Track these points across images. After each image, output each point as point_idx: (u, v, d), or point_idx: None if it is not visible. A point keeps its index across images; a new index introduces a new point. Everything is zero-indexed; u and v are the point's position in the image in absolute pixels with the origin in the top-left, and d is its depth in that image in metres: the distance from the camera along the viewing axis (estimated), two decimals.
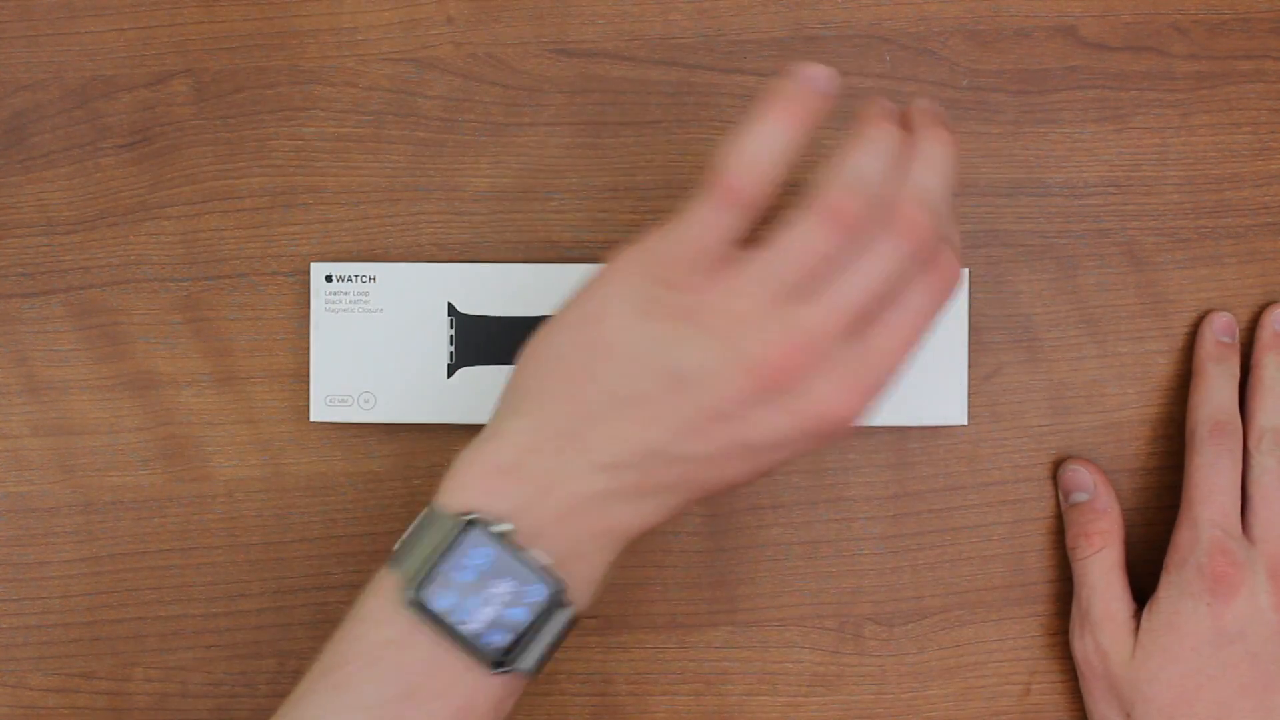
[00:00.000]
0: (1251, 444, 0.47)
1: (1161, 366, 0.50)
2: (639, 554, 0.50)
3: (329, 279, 0.48)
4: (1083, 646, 0.47)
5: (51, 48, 0.50)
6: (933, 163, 0.38)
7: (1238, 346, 0.49)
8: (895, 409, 0.48)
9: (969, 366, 0.49)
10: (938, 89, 0.50)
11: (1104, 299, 0.50)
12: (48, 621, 0.49)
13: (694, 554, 0.50)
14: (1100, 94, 0.50)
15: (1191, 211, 0.50)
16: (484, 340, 0.48)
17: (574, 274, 0.48)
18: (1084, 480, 0.49)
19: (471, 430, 0.49)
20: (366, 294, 0.48)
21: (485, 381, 0.48)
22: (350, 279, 0.48)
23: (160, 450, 0.49)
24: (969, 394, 0.49)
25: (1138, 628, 0.46)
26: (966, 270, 0.48)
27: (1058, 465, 0.49)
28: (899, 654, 0.50)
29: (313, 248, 0.50)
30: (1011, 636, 0.50)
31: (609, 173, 0.50)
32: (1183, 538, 0.47)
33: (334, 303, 0.48)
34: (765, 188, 0.37)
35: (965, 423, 0.48)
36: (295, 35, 0.50)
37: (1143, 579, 0.48)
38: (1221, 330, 0.49)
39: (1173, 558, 0.47)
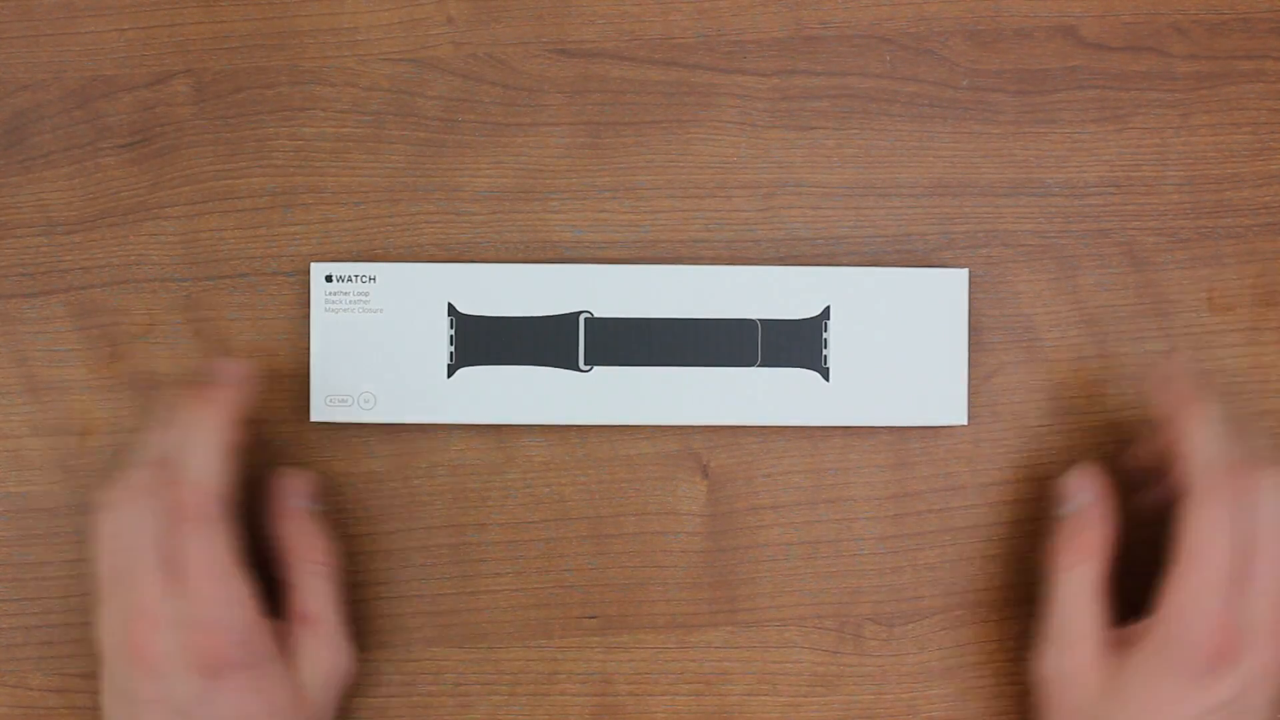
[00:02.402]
0: (1257, 481, 0.43)
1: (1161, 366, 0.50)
2: (639, 554, 0.50)
3: (329, 279, 0.48)
4: (1046, 669, 0.45)
5: (51, 48, 0.50)
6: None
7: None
8: (895, 409, 0.48)
9: (969, 366, 0.49)
10: (938, 89, 0.50)
11: (1104, 299, 0.50)
12: (48, 621, 0.49)
13: (694, 554, 0.50)
14: (1100, 94, 0.50)
15: (1191, 211, 0.50)
16: (484, 340, 0.48)
17: (574, 274, 0.48)
18: (1082, 489, 0.46)
19: (472, 430, 0.49)
20: (366, 294, 0.48)
21: (485, 381, 0.48)
22: (350, 279, 0.48)
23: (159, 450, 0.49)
24: (969, 394, 0.49)
25: (1110, 655, 0.44)
26: (966, 270, 0.48)
27: (1059, 465, 0.49)
28: (899, 654, 0.50)
29: (313, 248, 0.50)
30: (1011, 636, 0.50)
31: (609, 173, 0.50)
32: (1175, 601, 0.42)
33: (334, 303, 0.48)
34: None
35: (965, 423, 0.48)
36: (295, 35, 0.50)
37: (1135, 592, 0.48)
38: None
39: (1162, 623, 0.42)
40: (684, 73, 0.50)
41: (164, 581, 0.42)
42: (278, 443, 0.49)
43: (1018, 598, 0.50)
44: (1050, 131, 0.50)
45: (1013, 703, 0.50)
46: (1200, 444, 0.43)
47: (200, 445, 0.43)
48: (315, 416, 0.48)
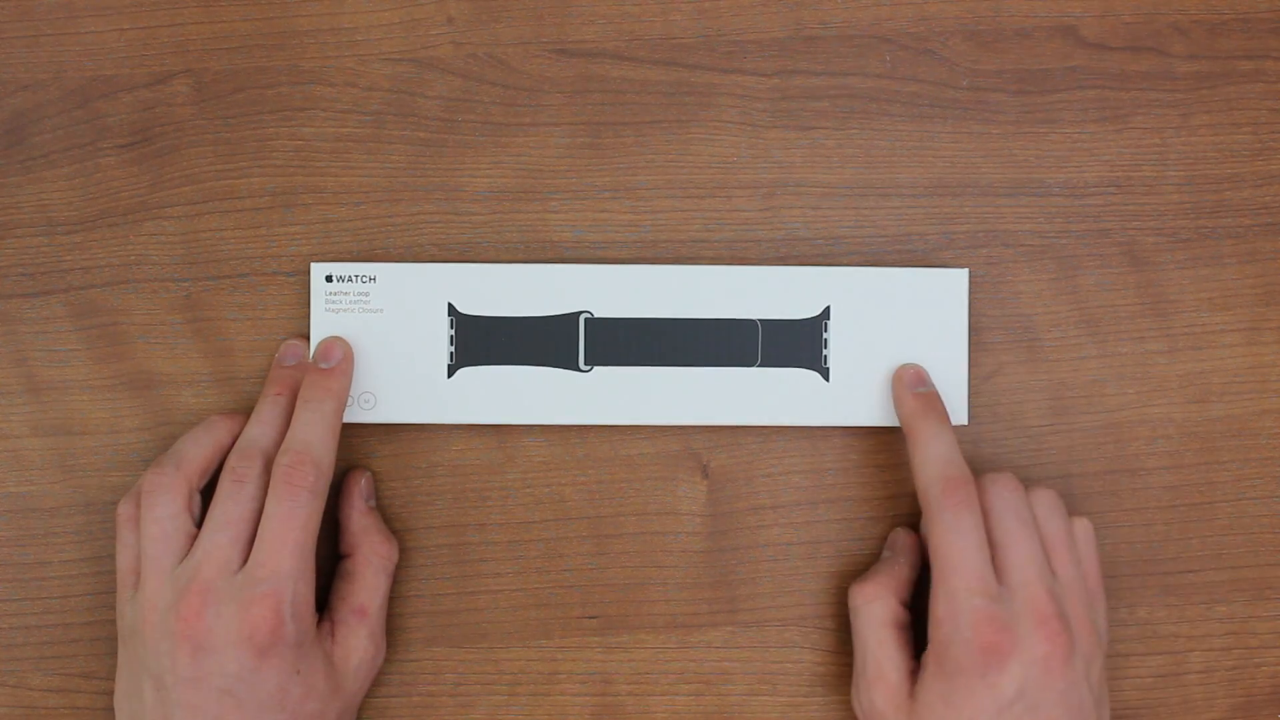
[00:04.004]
0: (984, 486, 0.45)
1: (1161, 366, 0.50)
2: (639, 554, 0.50)
3: (329, 279, 0.48)
4: (858, 705, 0.46)
5: (51, 48, 0.50)
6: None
7: (937, 392, 0.47)
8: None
9: (969, 366, 0.49)
10: (938, 89, 0.50)
11: (1104, 299, 0.50)
12: (48, 621, 0.49)
13: (694, 554, 0.50)
14: (1100, 94, 0.50)
15: (1191, 211, 0.50)
16: (484, 340, 0.48)
17: (574, 274, 0.48)
18: (897, 541, 0.48)
19: (472, 430, 0.49)
20: (366, 294, 0.48)
21: (485, 381, 0.48)
22: (350, 279, 0.48)
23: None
24: (969, 394, 0.49)
25: (914, 685, 0.45)
26: (966, 270, 0.48)
27: (1059, 465, 0.49)
28: None
29: (313, 248, 0.50)
30: None
31: (609, 173, 0.50)
32: (941, 612, 0.43)
33: (334, 303, 0.48)
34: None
35: (965, 423, 0.48)
36: (295, 35, 0.50)
37: (1133, 590, 0.48)
38: (914, 382, 0.47)
39: (936, 635, 0.43)
40: (684, 73, 0.50)
41: (228, 558, 0.43)
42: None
43: None
44: (1050, 131, 0.50)
45: None
46: (928, 458, 0.45)
47: (315, 423, 0.45)
48: None
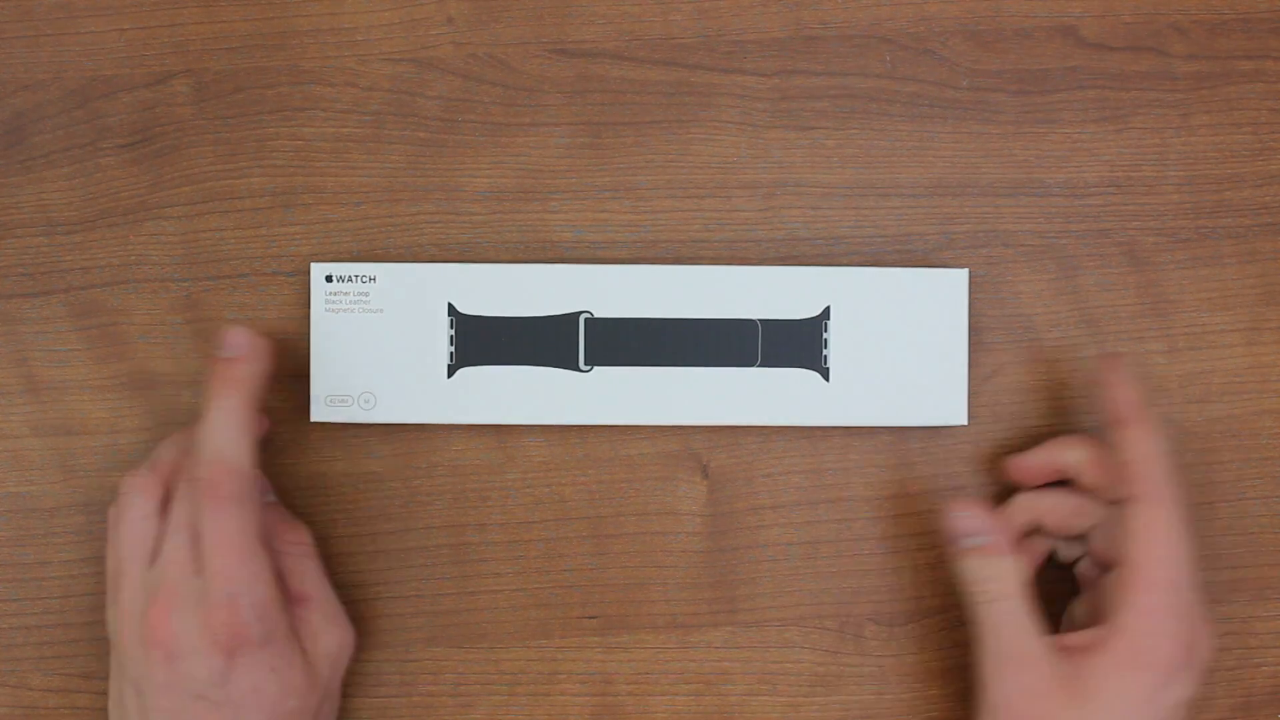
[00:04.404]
0: None
1: (1161, 366, 0.50)
2: (639, 554, 0.50)
3: (329, 279, 0.48)
4: (1009, 687, 0.44)
5: (51, 48, 0.50)
6: None
7: None
8: (895, 409, 0.48)
9: (969, 366, 0.49)
10: (938, 89, 0.50)
11: (1104, 299, 0.50)
12: (48, 621, 0.49)
13: (694, 554, 0.50)
14: (1100, 94, 0.50)
15: (1191, 211, 0.50)
16: (484, 340, 0.48)
17: (574, 274, 0.48)
18: (977, 525, 0.46)
19: (472, 430, 0.49)
20: (366, 294, 0.48)
21: (485, 381, 0.48)
22: (350, 279, 0.48)
23: None
24: (969, 394, 0.49)
25: (1063, 665, 0.44)
26: (966, 270, 0.48)
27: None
28: (899, 654, 0.50)
29: (313, 248, 0.50)
30: None
31: (609, 173, 0.50)
32: (1154, 603, 0.43)
33: (334, 303, 0.48)
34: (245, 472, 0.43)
35: (965, 423, 0.48)
36: (295, 35, 0.50)
37: None
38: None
39: (1138, 625, 0.43)
40: (684, 73, 0.50)
41: (187, 561, 0.42)
42: (278, 442, 0.49)
43: None
44: (1050, 131, 0.50)
45: None
46: (1151, 451, 0.44)
47: (222, 423, 0.43)
48: (315, 416, 0.48)
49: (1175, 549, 0.43)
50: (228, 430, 0.43)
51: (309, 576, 0.46)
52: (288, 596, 0.45)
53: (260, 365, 0.45)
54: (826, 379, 0.48)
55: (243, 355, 0.44)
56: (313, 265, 0.48)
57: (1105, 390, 0.46)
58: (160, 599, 0.42)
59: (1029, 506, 0.47)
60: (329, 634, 0.45)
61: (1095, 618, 0.45)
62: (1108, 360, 0.46)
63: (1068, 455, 0.47)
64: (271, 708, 0.43)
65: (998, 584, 0.45)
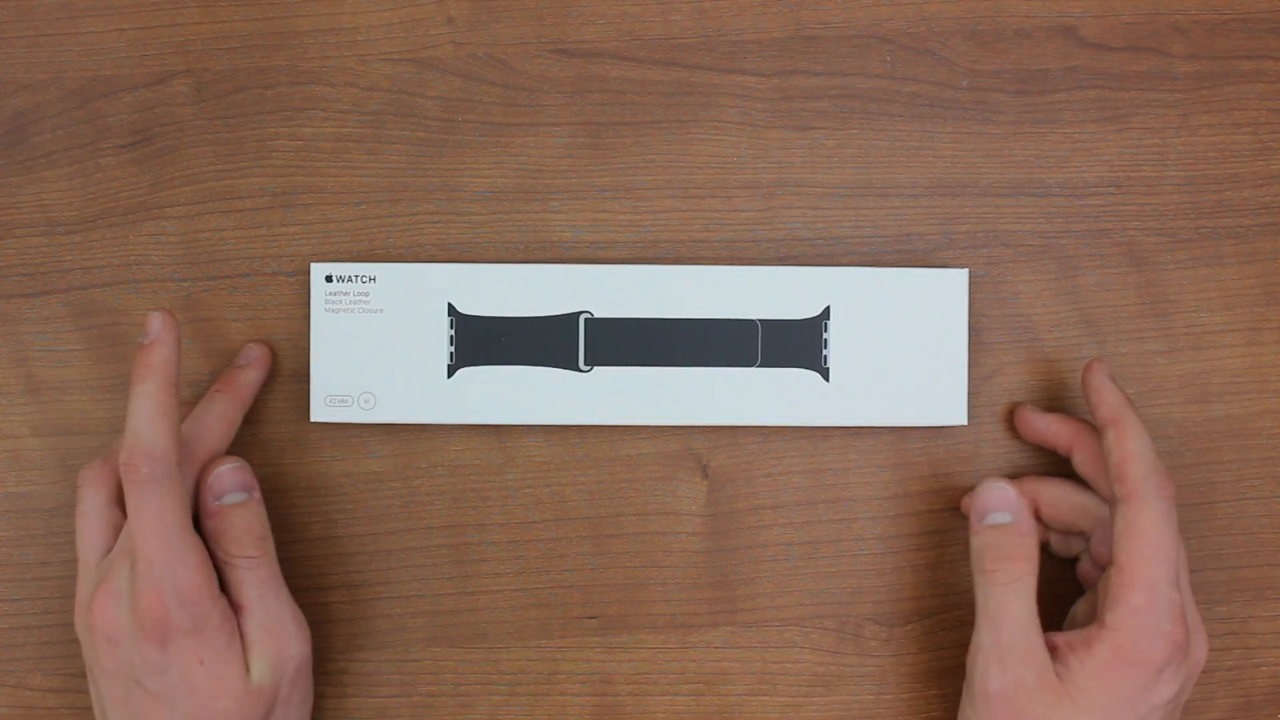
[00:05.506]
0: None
1: (1161, 366, 0.50)
2: (639, 554, 0.50)
3: (329, 279, 0.48)
4: (1001, 680, 0.43)
5: (51, 48, 0.50)
6: None
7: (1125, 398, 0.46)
8: (895, 409, 0.48)
9: (969, 366, 0.49)
10: (938, 89, 0.50)
11: (1104, 299, 0.50)
12: (48, 621, 0.49)
13: (694, 554, 0.50)
14: (1100, 94, 0.50)
15: (1191, 211, 0.50)
16: (484, 340, 0.48)
17: (574, 274, 0.48)
18: (1008, 500, 0.45)
19: (472, 430, 0.49)
20: (366, 294, 0.48)
21: (485, 381, 0.48)
22: (350, 279, 0.48)
23: None
24: (969, 394, 0.49)
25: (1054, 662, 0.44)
26: (966, 270, 0.48)
27: (1058, 465, 0.49)
28: (899, 654, 0.50)
29: (313, 248, 0.50)
30: None
31: (609, 173, 0.50)
32: (1139, 601, 0.43)
33: (334, 303, 0.48)
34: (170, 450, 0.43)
35: (965, 423, 0.48)
36: (295, 35, 0.50)
37: None
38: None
39: (1124, 623, 0.43)
40: (684, 73, 0.50)
41: (126, 549, 0.43)
42: (278, 441, 0.49)
43: None
44: (1050, 131, 0.50)
45: None
46: (1145, 448, 0.44)
47: (138, 408, 0.43)
48: (315, 416, 0.48)
49: (1161, 548, 0.43)
50: (144, 414, 0.43)
51: (246, 587, 0.44)
52: (232, 604, 0.44)
53: (171, 348, 0.44)
54: (826, 379, 0.48)
55: (155, 340, 0.44)
56: (313, 265, 0.48)
57: (1088, 394, 0.46)
58: (101, 587, 0.43)
59: (1031, 491, 0.48)
60: (264, 643, 0.44)
61: (1093, 618, 0.45)
62: (1090, 365, 0.46)
63: (1077, 438, 0.47)
64: (203, 703, 0.42)
65: (1016, 566, 0.44)
